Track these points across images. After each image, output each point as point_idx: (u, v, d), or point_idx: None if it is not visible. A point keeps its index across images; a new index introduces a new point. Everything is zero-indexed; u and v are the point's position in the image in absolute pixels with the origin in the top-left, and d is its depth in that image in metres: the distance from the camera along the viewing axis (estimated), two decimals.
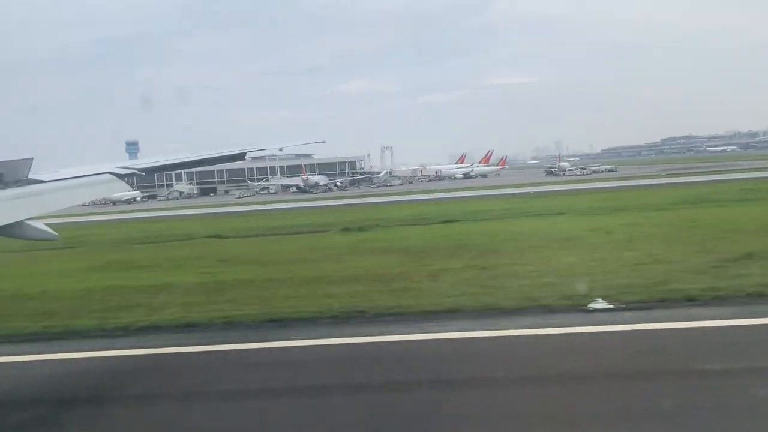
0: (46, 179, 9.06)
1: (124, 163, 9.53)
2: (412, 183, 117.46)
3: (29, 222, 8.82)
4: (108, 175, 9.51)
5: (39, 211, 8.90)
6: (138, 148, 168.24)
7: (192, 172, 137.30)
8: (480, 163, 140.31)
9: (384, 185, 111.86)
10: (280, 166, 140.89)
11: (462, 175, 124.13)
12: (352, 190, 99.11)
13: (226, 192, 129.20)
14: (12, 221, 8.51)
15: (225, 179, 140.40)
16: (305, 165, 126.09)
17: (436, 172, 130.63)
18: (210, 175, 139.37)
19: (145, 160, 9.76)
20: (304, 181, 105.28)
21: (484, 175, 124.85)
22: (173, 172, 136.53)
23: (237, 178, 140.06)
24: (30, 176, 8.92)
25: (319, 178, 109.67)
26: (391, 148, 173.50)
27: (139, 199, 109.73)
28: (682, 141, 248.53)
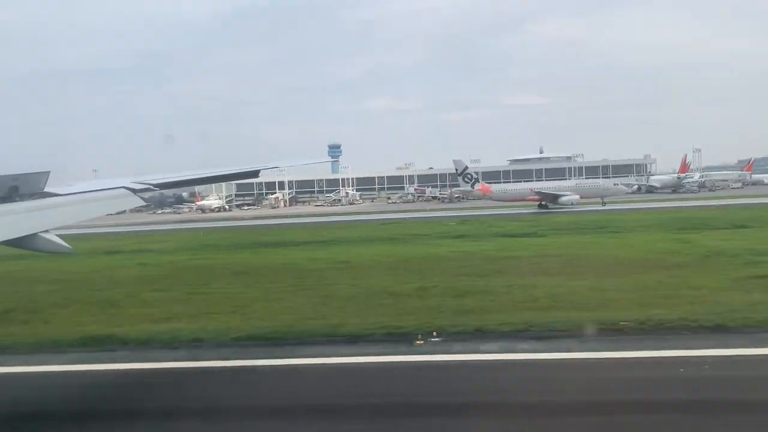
0: (62, 192, 9.23)
1: (138, 179, 9.54)
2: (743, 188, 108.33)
3: (42, 234, 8.97)
4: (123, 189, 9.54)
5: (53, 224, 9.02)
6: (341, 151, 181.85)
7: (501, 172, 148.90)
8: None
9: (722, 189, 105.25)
10: (546, 169, 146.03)
11: None
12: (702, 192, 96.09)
13: None
14: (25, 234, 8.66)
15: (543, 178, 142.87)
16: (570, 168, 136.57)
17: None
18: (495, 176, 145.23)
19: (159, 176, 9.72)
20: (677, 179, 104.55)
21: None
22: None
23: (559, 177, 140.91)
24: (46, 189, 9.12)
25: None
26: (700, 150, 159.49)
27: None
28: None
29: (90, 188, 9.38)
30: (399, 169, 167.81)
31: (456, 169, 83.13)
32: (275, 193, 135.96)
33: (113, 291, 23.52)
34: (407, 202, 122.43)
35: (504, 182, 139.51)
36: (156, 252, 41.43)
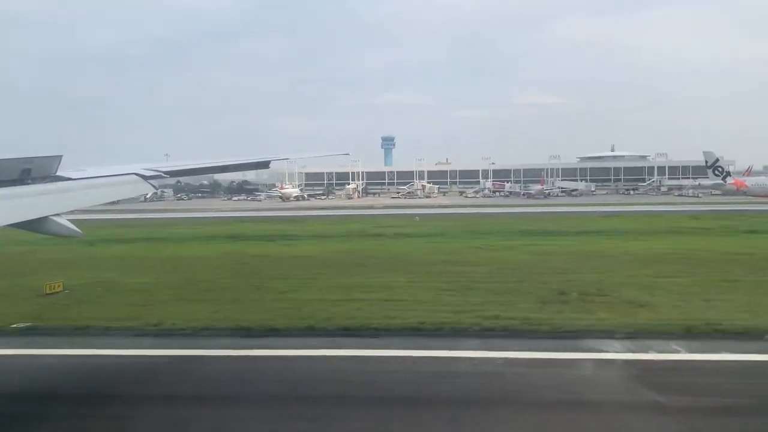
0: (74, 177, 9.25)
1: (149, 166, 9.41)
2: None
3: (53, 218, 9.02)
4: (133, 176, 9.43)
5: (63, 207, 9.05)
6: (394, 144, 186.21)
7: (577, 170, 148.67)
8: None
9: None
10: (625, 168, 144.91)
11: None
12: None
13: (635, 189, 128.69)
14: (35, 216, 8.71)
15: (621, 177, 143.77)
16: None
17: None
18: (605, 172, 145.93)
19: (170, 164, 9.57)
20: None
21: None
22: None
23: (635, 177, 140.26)
24: (58, 173, 9.16)
25: None
26: None
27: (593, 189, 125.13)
28: None
29: (101, 174, 9.32)
30: (438, 164, 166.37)
31: (706, 162, 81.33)
32: (350, 183, 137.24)
33: (627, 274, 24.28)
34: (486, 197, 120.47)
35: (575, 179, 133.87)
36: (432, 236, 42.74)
